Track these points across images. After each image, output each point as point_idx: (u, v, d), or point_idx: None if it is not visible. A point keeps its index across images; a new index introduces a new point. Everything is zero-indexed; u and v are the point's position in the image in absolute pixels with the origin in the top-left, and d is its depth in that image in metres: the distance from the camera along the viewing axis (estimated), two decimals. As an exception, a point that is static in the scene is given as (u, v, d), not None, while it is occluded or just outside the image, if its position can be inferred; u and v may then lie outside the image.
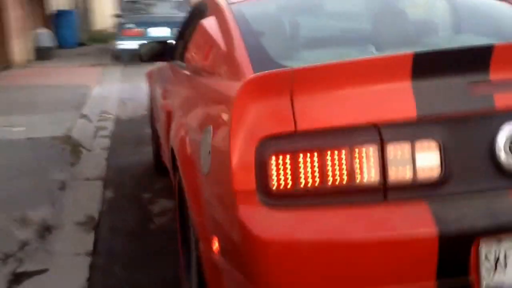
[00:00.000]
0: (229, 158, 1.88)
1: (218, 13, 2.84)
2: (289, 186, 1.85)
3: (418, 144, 1.84)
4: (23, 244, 3.58)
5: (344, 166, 1.84)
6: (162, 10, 15.13)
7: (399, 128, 1.85)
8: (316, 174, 1.84)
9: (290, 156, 1.84)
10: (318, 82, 1.88)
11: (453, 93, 1.87)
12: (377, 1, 3.06)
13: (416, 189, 1.85)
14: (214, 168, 2.10)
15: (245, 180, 1.86)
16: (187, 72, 3.08)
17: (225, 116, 2.05)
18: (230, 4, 2.88)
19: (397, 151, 1.84)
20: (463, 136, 1.87)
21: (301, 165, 1.84)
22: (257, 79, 1.89)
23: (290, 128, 1.85)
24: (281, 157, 1.84)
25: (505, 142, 1.87)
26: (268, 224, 1.83)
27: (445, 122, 1.86)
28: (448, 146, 1.85)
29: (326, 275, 1.82)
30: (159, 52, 4.07)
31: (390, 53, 2.50)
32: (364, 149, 1.84)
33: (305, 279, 1.82)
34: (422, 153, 1.84)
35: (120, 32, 13.94)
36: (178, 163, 2.55)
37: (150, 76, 5.11)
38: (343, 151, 1.84)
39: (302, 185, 1.84)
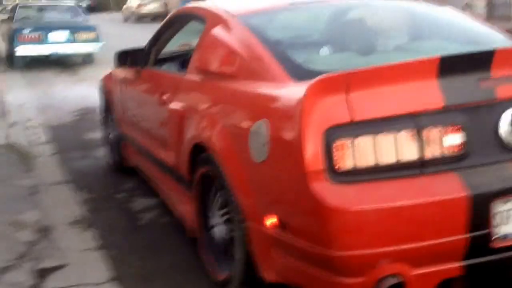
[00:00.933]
0: (299, 145, 2.32)
1: (229, 25, 3.26)
2: (350, 165, 2.32)
3: (446, 128, 2.38)
4: (31, 244, 3.78)
5: (392, 147, 2.34)
6: (58, 15, 15.00)
7: (431, 116, 2.38)
8: (371, 154, 2.33)
9: (350, 141, 2.31)
10: (368, 83, 2.37)
11: (468, 87, 2.43)
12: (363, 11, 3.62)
13: (446, 163, 2.38)
14: (273, 155, 2.52)
15: (314, 162, 2.32)
16: (195, 78, 3.45)
17: (286, 112, 2.47)
18: (236, 16, 3.31)
19: (430, 133, 2.36)
20: (477, 120, 2.44)
21: (359, 148, 2.32)
22: (321, 81, 2.34)
23: (348, 119, 2.32)
24: (343, 142, 2.31)
25: (506, 124, 2.45)
26: (337, 196, 2.30)
27: (464, 109, 2.42)
28: (468, 129, 2.40)
29: (384, 233, 2.31)
30: (134, 57, 4.37)
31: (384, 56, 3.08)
32: (405, 133, 2.35)
33: (369, 237, 2.31)
34: (449, 135, 2.38)
35: (16, 37, 13.63)
36: (217, 157, 2.92)
37: (109, 82, 5.33)
38: (390, 136, 2.34)
39: (360, 164, 2.32)
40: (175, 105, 3.54)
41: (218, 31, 3.35)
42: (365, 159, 2.33)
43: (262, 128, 2.59)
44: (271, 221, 2.61)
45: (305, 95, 2.34)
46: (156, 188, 4.34)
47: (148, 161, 4.34)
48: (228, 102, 3.03)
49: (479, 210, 2.37)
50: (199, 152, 3.20)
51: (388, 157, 2.34)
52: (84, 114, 8.24)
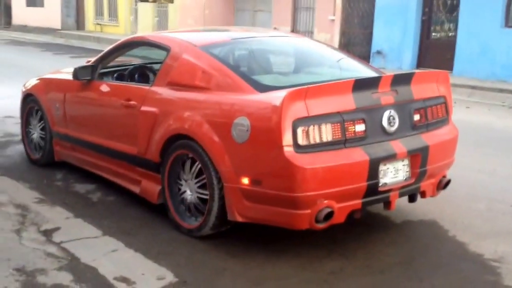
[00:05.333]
0: (279, 130, 3.84)
1: (194, 52, 4.70)
2: (306, 142, 3.91)
3: (357, 121, 4.08)
4: (22, 215, 4.79)
5: (328, 131, 3.98)
6: None
7: (348, 114, 4.06)
8: (318, 136, 3.94)
9: (307, 127, 3.91)
10: (316, 93, 3.98)
11: (367, 97, 4.16)
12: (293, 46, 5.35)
13: (356, 142, 4.08)
14: (254, 138, 4.00)
15: (287, 140, 3.87)
16: (164, 89, 4.78)
17: (266, 110, 3.97)
18: (198, 46, 4.76)
19: (349, 124, 4.05)
20: (371, 117, 4.16)
21: (311, 132, 3.92)
22: (291, 93, 3.89)
23: (306, 115, 3.91)
24: (303, 128, 3.89)
25: (386, 119, 4.22)
26: (300, 160, 3.87)
27: (365, 110, 4.13)
28: (366, 121, 4.12)
29: (323, 182, 3.93)
30: (84, 71, 5.53)
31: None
32: (336, 123, 4.00)
33: (315, 184, 3.90)
34: (358, 125, 4.09)
35: None
36: (200, 142, 4.31)
37: (40, 90, 6.30)
38: (328, 125, 3.97)
39: (313, 142, 3.93)
40: (147, 108, 4.83)
41: (187, 56, 4.75)
42: (314, 138, 3.93)
43: (244, 120, 4.07)
44: (246, 180, 4.10)
45: (283, 101, 3.87)
46: (105, 174, 5.50)
47: (98, 153, 5.49)
48: (208, 106, 4.41)
49: (373, 168, 4.09)
50: (173, 141, 4.56)
51: (327, 137, 3.97)
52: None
